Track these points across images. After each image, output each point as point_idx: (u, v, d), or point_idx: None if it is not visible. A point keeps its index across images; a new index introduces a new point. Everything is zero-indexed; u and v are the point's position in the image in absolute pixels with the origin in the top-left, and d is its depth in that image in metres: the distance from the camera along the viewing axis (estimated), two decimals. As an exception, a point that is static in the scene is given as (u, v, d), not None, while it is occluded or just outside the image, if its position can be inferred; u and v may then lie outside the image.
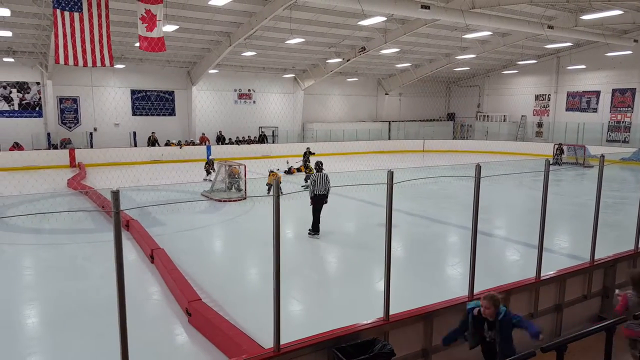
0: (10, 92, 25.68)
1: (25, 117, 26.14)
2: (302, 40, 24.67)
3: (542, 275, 6.13)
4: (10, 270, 9.09)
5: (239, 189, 16.20)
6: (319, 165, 11.83)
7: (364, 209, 14.63)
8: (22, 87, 25.92)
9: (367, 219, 13.26)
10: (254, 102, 33.42)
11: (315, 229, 11.14)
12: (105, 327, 6.19)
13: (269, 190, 16.89)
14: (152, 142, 28.32)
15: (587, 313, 6.79)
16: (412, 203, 14.70)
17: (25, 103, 26.13)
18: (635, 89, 30.38)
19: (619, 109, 31.41)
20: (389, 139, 37.25)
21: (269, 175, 16.93)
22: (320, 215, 11.22)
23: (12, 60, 24.55)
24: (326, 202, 11.32)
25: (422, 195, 16.05)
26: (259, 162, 24.15)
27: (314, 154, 22.74)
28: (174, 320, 6.81)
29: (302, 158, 21.63)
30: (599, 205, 6.76)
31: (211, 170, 18.54)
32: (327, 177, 11.40)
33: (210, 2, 17.95)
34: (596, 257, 6.86)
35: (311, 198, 11.03)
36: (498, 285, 5.81)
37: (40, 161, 23.17)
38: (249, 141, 31.32)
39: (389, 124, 38.13)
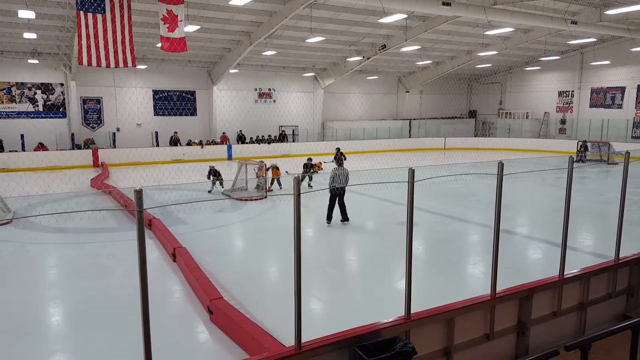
0: (35, 93, 26.25)
1: (50, 117, 26.69)
2: (322, 38, 24.63)
3: (565, 273, 6.03)
4: (35, 269, 9.28)
5: (266, 189, 16.14)
6: (340, 161, 11.99)
7: (385, 207, 14.56)
8: (47, 88, 26.48)
9: (388, 218, 13.20)
10: (274, 101, 33.53)
11: (327, 218, 11.95)
12: (128, 325, 6.29)
13: (271, 183, 17.08)
14: (174, 141, 28.65)
15: (611, 312, 6.67)
16: (434, 201, 14.58)
17: (50, 104, 26.68)
18: (661, 84, 29.68)
19: (644, 104, 30.69)
20: (410, 137, 36.97)
21: (272, 170, 17.10)
22: (345, 208, 11.94)
23: (36, 62, 25.09)
24: (343, 193, 12.03)
25: (443, 194, 15.91)
26: (279, 161, 24.23)
27: (345, 158, 21.59)
28: (195, 318, 6.87)
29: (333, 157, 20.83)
30: (624, 203, 6.63)
31: (215, 182, 17.00)
32: (346, 173, 11.88)
33: (230, 2, 18.05)
34: (621, 255, 6.72)
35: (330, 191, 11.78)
36: (521, 284, 5.74)
37: (64, 161, 23.66)
38: (269, 140, 31.46)
39: (410, 121, 37.88)
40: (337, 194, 11.82)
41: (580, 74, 33.93)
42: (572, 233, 5.95)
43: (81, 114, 27.54)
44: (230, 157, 28.27)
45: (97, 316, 6.97)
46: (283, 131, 33.34)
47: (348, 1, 17.79)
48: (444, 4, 17.02)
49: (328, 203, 11.96)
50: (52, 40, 22.91)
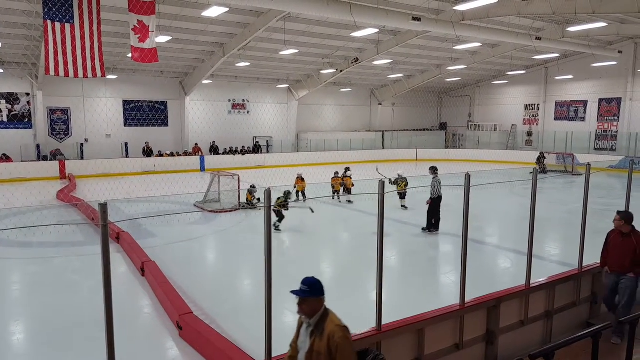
0: (-1, 103, 25.54)
1: (14, 128, 25.96)
2: (295, 51, 24.80)
3: (532, 282, 6.16)
4: (-1, 284, 8.96)
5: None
6: (435, 171, 12.72)
7: (358, 218, 14.62)
8: (12, 98, 25.79)
9: (360, 229, 13.25)
10: (248, 112, 33.46)
11: (436, 227, 12.52)
12: (94, 342, 6.11)
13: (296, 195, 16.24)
14: (148, 152, 28.23)
15: (576, 319, 6.82)
16: (405, 212, 14.71)
17: (14, 114, 25.96)
18: (620, 98, 30.87)
19: (605, 117, 31.81)
20: (383, 148, 37.38)
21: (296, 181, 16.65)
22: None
23: (1, 71, 24.44)
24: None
25: (415, 204, 16.07)
26: (252, 172, 24.13)
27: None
28: (164, 333, 6.75)
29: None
30: (586, 213, 6.84)
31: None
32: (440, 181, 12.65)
33: (203, 14, 17.99)
34: (584, 264, 6.91)
35: (432, 199, 12.40)
36: (489, 294, 5.83)
37: (30, 173, 23.03)
38: (243, 151, 31.31)
39: (383, 133, 38.30)
40: (439, 203, 12.47)
41: (545, 88, 34.99)
42: (538, 242, 6.09)
43: (48, 124, 26.87)
44: (203, 169, 28.02)
45: (62, 333, 6.77)
46: (257, 142, 33.27)
47: (321, 15, 17.93)
48: (414, 19, 17.31)
49: (431, 214, 12.48)
50: (19, 49, 22.37)
